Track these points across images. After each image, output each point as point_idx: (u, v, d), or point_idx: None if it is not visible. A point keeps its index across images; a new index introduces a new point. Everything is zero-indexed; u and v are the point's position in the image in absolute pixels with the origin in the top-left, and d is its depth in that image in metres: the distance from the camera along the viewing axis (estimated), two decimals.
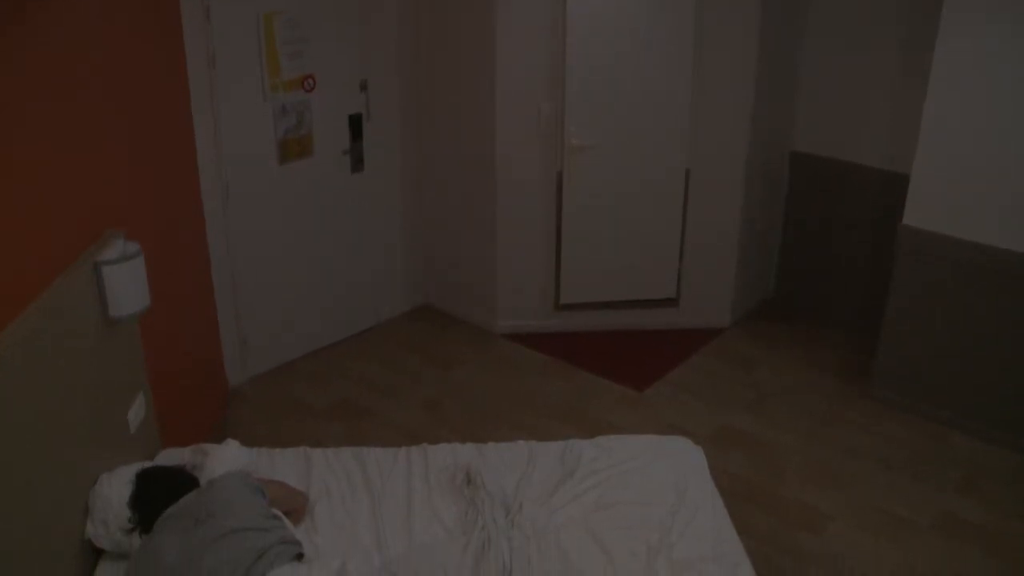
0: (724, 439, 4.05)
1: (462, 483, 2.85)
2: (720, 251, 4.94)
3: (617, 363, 4.70)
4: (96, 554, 2.50)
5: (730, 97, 4.62)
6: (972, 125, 3.75)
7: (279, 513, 2.52)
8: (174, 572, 2.25)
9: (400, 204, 5.07)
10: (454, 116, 4.82)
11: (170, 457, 2.86)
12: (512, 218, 4.78)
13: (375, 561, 2.53)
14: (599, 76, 4.48)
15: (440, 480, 2.89)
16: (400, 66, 4.81)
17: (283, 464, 2.97)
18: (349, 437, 3.97)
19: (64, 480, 2.36)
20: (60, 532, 2.34)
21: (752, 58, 4.54)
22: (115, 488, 2.47)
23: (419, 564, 2.46)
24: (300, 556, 2.42)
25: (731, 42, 4.52)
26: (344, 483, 2.88)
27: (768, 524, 3.48)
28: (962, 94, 3.74)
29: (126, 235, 2.74)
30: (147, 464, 2.65)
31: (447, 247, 5.16)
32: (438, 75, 4.82)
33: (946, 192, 3.89)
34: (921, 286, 4.08)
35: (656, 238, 4.86)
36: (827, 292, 5.15)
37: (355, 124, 4.65)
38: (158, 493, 2.46)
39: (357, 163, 4.72)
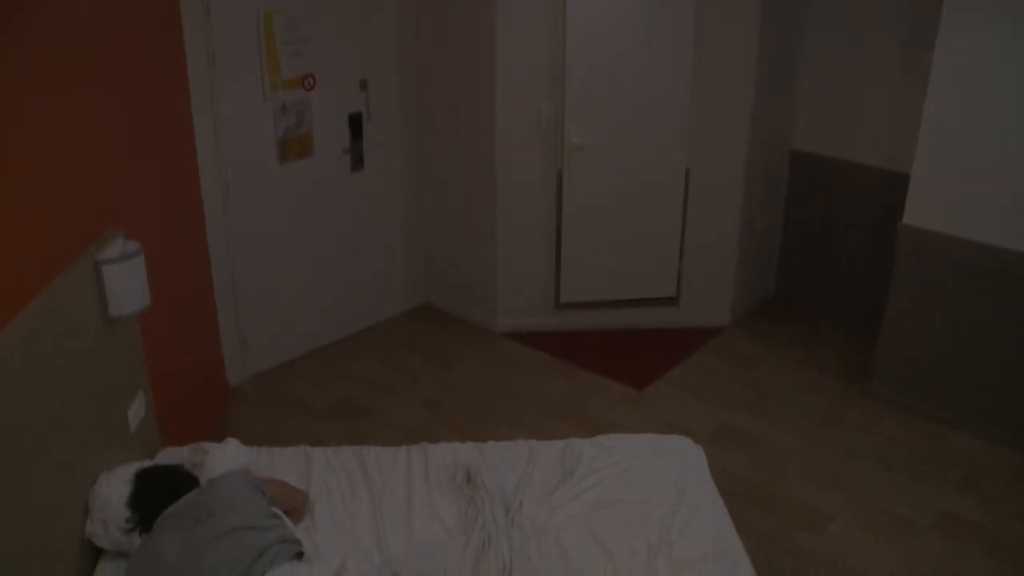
0: (724, 438, 4.05)
1: (462, 482, 2.85)
2: (720, 250, 4.95)
3: (617, 362, 4.70)
4: (96, 553, 2.50)
5: (730, 97, 4.63)
6: (972, 125, 3.75)
7: (279, 512, 2.52)
8: (174, 571, 2.25)
9: (400, 203, 5.07)
10: (454, 116, 4.82)
11: (170, 456, 2.86)
12: (512, 217, 4.79)
13: (375, 560, 2.53)
14: (599, 76, 4.48)
15: (440, 479, 2.89)
16: (400, 66, 4.81)
17: (283, 463, 2.97)
18: (349, 436, 3.97)
19: (64, 479, 2.36)
20: (60, 531, 2.34)
21: (752, 58, 4.54)
22: (114, 488, 2.47)
23: (419, 563, 2.46)
24: (300, 555, 2.42)
25: (731, 42, 4.52)
26: (344, 482, 2.88)
27: (768, 524, 3.48)
28: (962, 94, 3.74)
29: (126, 234, 2.74)
30: (146, 463, 2.65)
31: (447, 246, 5.16)
32: (438, 75, 4.82)
33: (946, 191, 3.89)
34: (921, 286, 4.08)
35: (656, 237, 4.87)
36: (827, 292, 5.15)
37: (355, 123, 4.65)
38: (158, 492, 2.46)
39: (357, 162, 4.72)
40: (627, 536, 2.60)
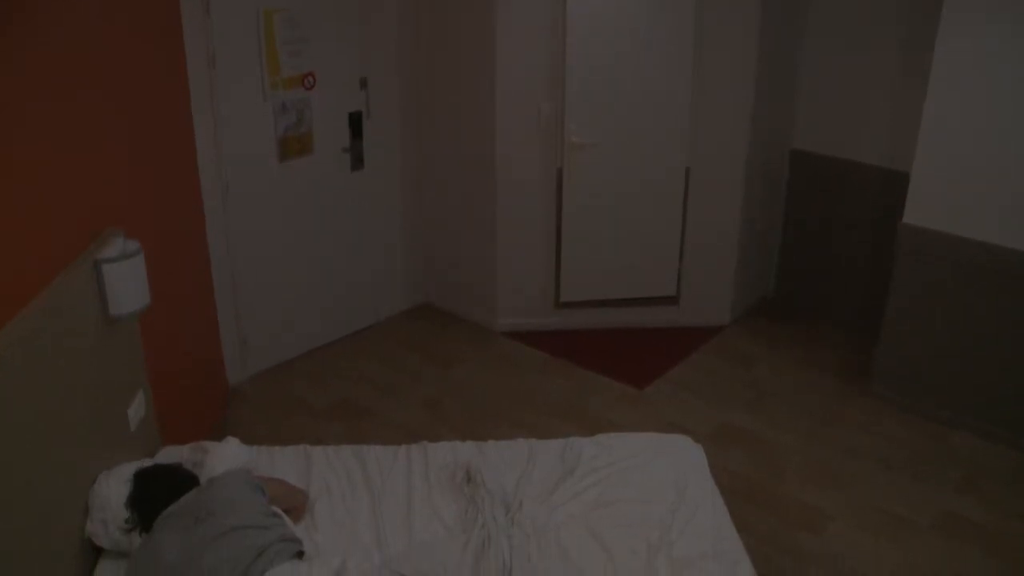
0: (724, 437, 4.05)
1: (462, 481, 2.85)
2: (720, 250, 4.95)
3: (617, 361, 4.70)
4: (96, 553, 2.50)
5: (730, 97, 4.63)
6: (972, 124, 3.75)
7: (279, 511, 2.52)
8: (174, 570, 2.25)
9: (400, 202, 5.07)
10: (454, 115, 4.82)
11: (170, 455, 2.86)
12: (512, 216, 4.79)
13: (375, 559, 2.53)
14: (599, 76, 4.48)
15: (440, 478, 2.89)
16: (400, 65, 4.81)
17: (283, 462, 2.97)
18: (349, 435, 3.97)
19: (64, 478, 2.36)
20: (60, 531, 2.34)
21: (752, 58, 4.54)
22: (113, 487, 2.47)
23: (419, 562, 2.46)
24: (300, 554, 2.42)
25: (731, 42, 4.52)
26: (344, 481, 2.88)
27: (768, 523, 3.49)
28: (962, 94, 3.74)
29: (126, 234, 2.74)
30: (145, 463, 2.65)
31: (447, 245, 5.16)
32: (438, 74, 4.82)
33: (946, 191, 3.89)
34: (921, 285, 4.08)
35: (656, 237, 4.87)
36: (827, 291, 5.15)
37: (355, 122, 4.65)
38: (157, 492, 2.46)
39: (357, 161, 4.72)
40: (627, 535, 2.60)
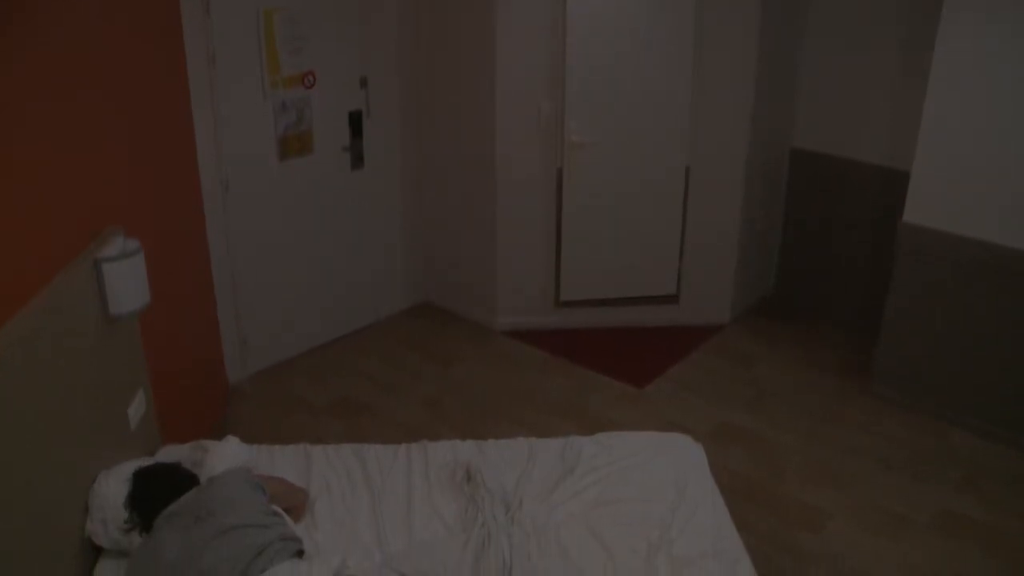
0: (724, 436, 4.05)
1: (462, 480, 2.85)
2: (720, 249, 4.95)
3: (617, 360, 4.71)
4: (96, 552, 2.50)
5: (730, 96, 4.63)
6: (972, 124, 3.75)
7: (279, 510, 2.52)
8: (174, 569, 2.25)
9: (400, 201, 5.07)
10: (454, 115, 4.82)
11: (170, 454, 2.86)
12: (512, 216, 4.79)
13: (375, 558, 2.53)
14: (599, 76, 4.48)
15: (440, 477, 2.89)
16: (400, 65, 4.81)
17: (283, 461, 2.97)
18: (349, 434, 3.97)
19: (64, 478, 2.36)
20: (60, 530, 2.34)
21: (752, 58, 4.54)
22: (113, 486, 2.47)
23: (419, 561, 2.46)
24: (300, 553, 2.42)
25: (731, 42, 4.52)
26: (344, 480, 2.88)
27: (768, 522, 3.49)
28: (962, 94, 3.74)
29: (126, 233, 2.75)
30: (145, 462, 2.65)
31: (447, 244, 5.17)
32: (438, 74, 4.82)
33: (946, 190, 3.89)
34: (921, 284, 4.08)
35: (656, 236, 4.87)
36: (827, 291, 5.15)
37: (355, 121, 4.65)
38: (157, 491, 2.45)
39: (357, 160, 4.72)
40: (627, 534, 2.60)
